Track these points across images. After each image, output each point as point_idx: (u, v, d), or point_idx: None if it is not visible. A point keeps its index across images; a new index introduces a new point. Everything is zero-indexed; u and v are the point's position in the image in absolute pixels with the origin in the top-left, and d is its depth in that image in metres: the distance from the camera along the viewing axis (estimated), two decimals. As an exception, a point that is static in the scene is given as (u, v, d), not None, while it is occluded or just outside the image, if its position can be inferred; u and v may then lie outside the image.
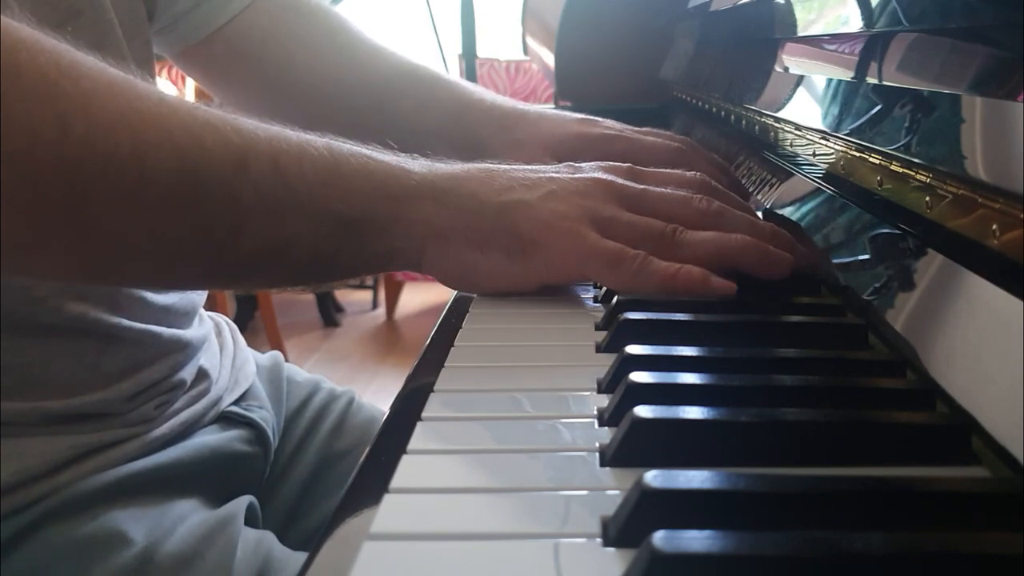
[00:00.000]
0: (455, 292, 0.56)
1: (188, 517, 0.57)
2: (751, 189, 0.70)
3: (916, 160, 0.42)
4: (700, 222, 0.52)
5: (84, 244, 0.43)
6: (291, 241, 0.47)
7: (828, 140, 0.55)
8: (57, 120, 0.39)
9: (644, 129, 0.75)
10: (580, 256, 0.49)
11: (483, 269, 0.50)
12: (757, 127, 0.74)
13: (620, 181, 0.53)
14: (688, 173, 0.57)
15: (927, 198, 0.41)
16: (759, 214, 0.61)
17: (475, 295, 0.54)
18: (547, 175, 0.52)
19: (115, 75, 0.42)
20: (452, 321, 0.49)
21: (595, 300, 0.53)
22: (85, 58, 0.42)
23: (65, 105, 0.39)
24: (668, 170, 0.58)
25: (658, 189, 0.53)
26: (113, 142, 0.41)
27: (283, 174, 0.46)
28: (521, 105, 0.78)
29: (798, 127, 0.63)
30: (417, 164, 0.51)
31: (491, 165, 0.53)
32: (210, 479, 0.62)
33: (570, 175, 0.53)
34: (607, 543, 0.27)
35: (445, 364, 0.42)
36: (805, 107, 0.64)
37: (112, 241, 0.43)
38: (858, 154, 0.50)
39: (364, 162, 0.49)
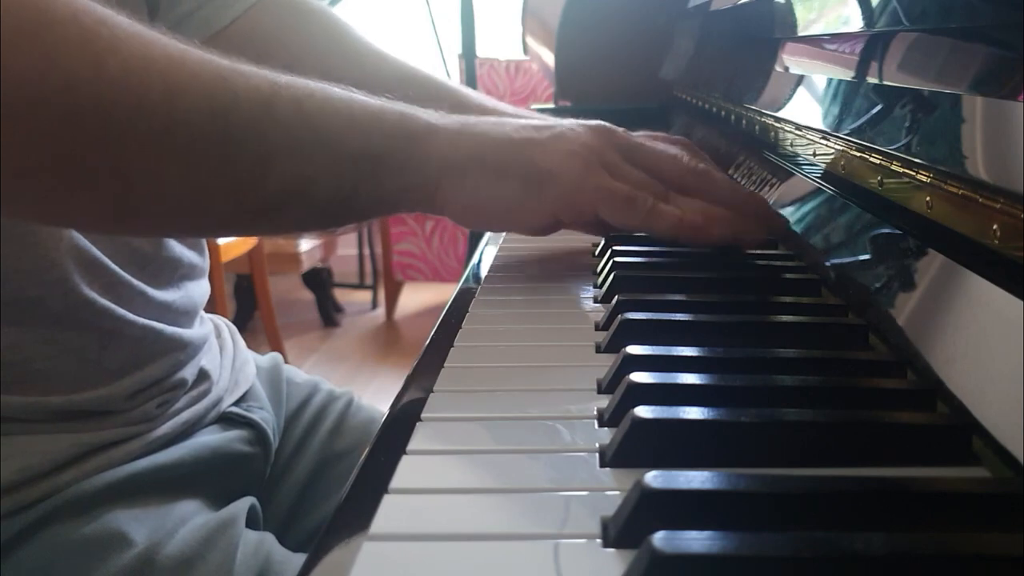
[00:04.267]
0: (455, 292, 0.56)
1: (190, 519, 0.57)
2: (751, 189, 0.70)
3: (917, 160, 0.42)
4: (689, 178, 0.56)
5: (119, 186, 0.44)
6: (314, 179, 0.49)
7: (828, 140, 0.55)
8: (93, 62, 0.40)
9: (639, 133, 0.75)
10: (593, 192, 0.53)
11: (498, 200, 0.53)
12: (757, 127, 0.74)
13: (621, 131, 0.58)
14: (674, 138, 0.64)
15: (928, 198, 0.41)
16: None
17: (487, 231, 0.55)
18: (554, 121, 0.56)
19: (143, 27, 0.44)
20: (452, 321, 0.49)
21: (595, 300, 0.53)
22: (115, 13, 0.43)
23: (100, 48, 0.41)
24: (657, 133, 0.64)
25: (652, 145, 0.58)
26: (145, 84, 0.42)
27: (307, 115, 0.48)
28: (521, 111, 0.79)
29: (798, 127, 0.63)
30: (430, 112, 0.54)
31: (499, 117, 0.57)
32: (211, 479, 0.62)
33: (575, 122, 0.57)
34: (607, 543, 0.27)
35: (445, 364, 0.42)
36: (805, 107, 0.64)
37: (145, 181, 0.44)
38: (858, 154, 0.50)
39: (381, 106, 0.52)
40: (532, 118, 0.75)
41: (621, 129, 0.59)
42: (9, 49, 0.38)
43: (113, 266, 0.58)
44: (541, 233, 0.57)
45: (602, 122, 0.58)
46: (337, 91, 0.51)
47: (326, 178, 0.49)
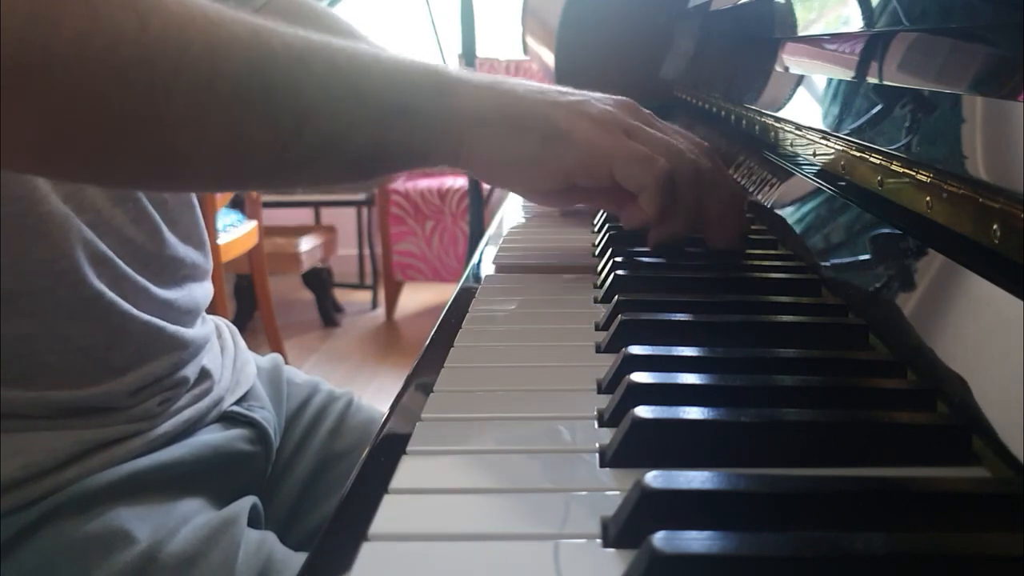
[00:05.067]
0: (455, 292, 0.56)
1: (192, 517, 0.57)
2: (751, 189, 0.70)
3: (917, 160, 0.42)
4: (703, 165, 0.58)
5: (163, 139, 0.45)
6: (348, 131, 0.51)
7: (828, 140, 0.55)
8: (137, 20, 0.42)
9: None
10: (611, 151, 0.54)
11: (516, 156, 0.55)
12: (757, 127, 0.74)
13: (646, 112, 0.59)
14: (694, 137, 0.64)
15: (927, 198, 0.41)
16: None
17: (504, 189, 0.58)
18: (578, 91, 0.58)
19: None
20: (452, 321, 0.49)
21: (595, 300, 0.53)
22: None
23: (142, 7, 0.42)
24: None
25: (675, 128, 0.60)
26: (186, 39, 0.43)
27: (340, 69, 0.50)
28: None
29: (798, 127, 0.63)
30: (458, 69, 0.56)
31: (524, 79, 0.58)
32: (213, 478, 0.62)
33: (600, 94, 0.59)
34: (607, 543, 0.27)
35: (445, 364, 0.42)
36: (805, 107, 0.64)
37: (189, 134, 0.46)
38: (858, 154, 0.50)
39: (410, 61, 0.54)
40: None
41: (647, 111, 0.60)
42: (58, 11, 0.39)
43: (118, 261, 0.58)
44: (555, 195, 0.58)
45: (627, 98, 0.59)
46: (367, 48, 0.52)
47: (360, 130, 0.51)
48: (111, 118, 0.43)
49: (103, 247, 0.57)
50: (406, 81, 0.52)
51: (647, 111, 0.59)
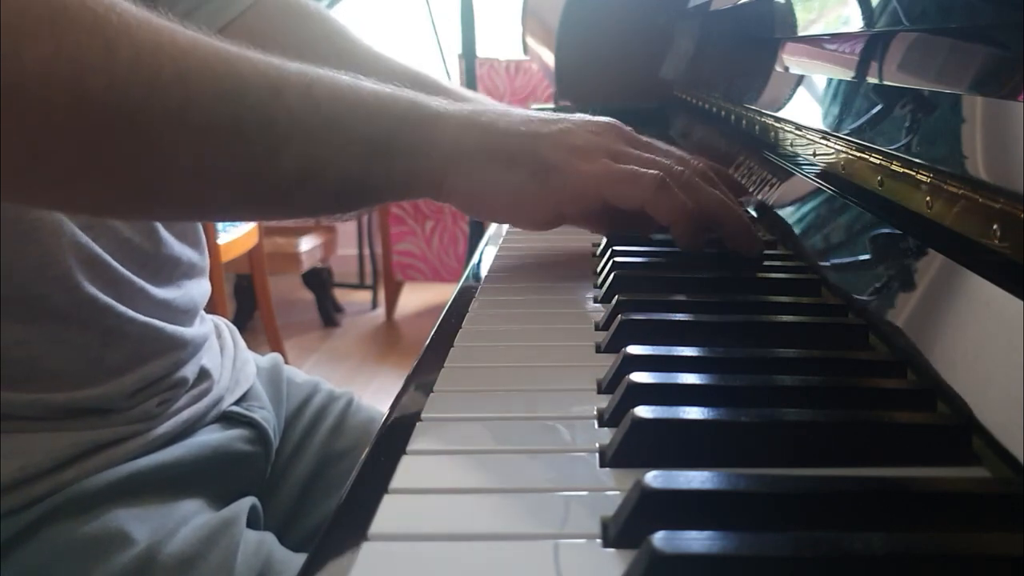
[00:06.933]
0: (455, 292, 0.56)
1: (191, 518, 0.57)
2: (751, 189, 0.70)
3: (917, 160, 0.42)
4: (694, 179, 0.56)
5: (132, 169, 0.44)
6: (324, 163, 0.49)
7: (828, 140, 0.55)
8: (104, 47, 0.41)
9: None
10: (599, 179, 0.53)
11: (503, 191, 0.54)
12: (757, 127, 0.74)
13: (628, 129, 0.58)
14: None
15: (927, 198, 0.41)
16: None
17: (489, 222, 0.57)
18: (561, 116, 0.57)
19: (152, 16, 0.44)
20: (452, 321, 0.49)
21: (595, 300, 0.53)
22: (123, 0, 0.44)
23: (111, 33, 0.41)
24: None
25: (663, 145, 0.59)
26: (156, 67, 0.43)
27: (316, 100, 0.49)
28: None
29: (798, 127, 0.63)
30: (438, 100, 0.55)
31: (506, 108, 0.57)
32: (212, 478, 0.62)
33: (583, 118, 0.57)
34: (607, 543, 0.27)
35: (445, 364, 0.42)
36: (805, 107, 0.64)
37: (158, 164, 0.45)
38: (858, 154, 0.50)
39: (390, 92, 0.53)
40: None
41: (629, 128, 0.59)
42: (23, 37, 0.38)
43: (113, 263, 0.58)
44: (543, 227, 0.57)
45: (611, 119, 0.58)
46: (345, 78, 0.51)
47: (336, 162, 0.50)
48: (77, 146, 0.42)
49: (98, 249, 0.57)
50: (386, 113, 0.51)
51: (629, 130, 0.59)
